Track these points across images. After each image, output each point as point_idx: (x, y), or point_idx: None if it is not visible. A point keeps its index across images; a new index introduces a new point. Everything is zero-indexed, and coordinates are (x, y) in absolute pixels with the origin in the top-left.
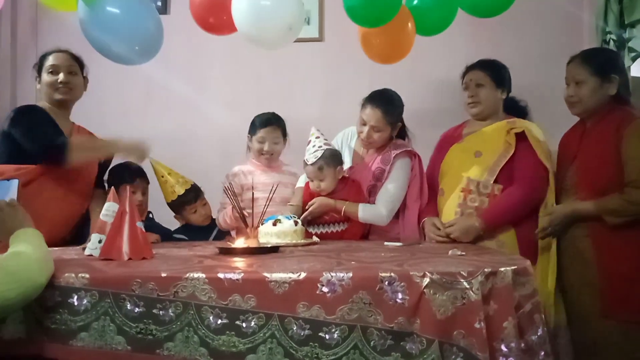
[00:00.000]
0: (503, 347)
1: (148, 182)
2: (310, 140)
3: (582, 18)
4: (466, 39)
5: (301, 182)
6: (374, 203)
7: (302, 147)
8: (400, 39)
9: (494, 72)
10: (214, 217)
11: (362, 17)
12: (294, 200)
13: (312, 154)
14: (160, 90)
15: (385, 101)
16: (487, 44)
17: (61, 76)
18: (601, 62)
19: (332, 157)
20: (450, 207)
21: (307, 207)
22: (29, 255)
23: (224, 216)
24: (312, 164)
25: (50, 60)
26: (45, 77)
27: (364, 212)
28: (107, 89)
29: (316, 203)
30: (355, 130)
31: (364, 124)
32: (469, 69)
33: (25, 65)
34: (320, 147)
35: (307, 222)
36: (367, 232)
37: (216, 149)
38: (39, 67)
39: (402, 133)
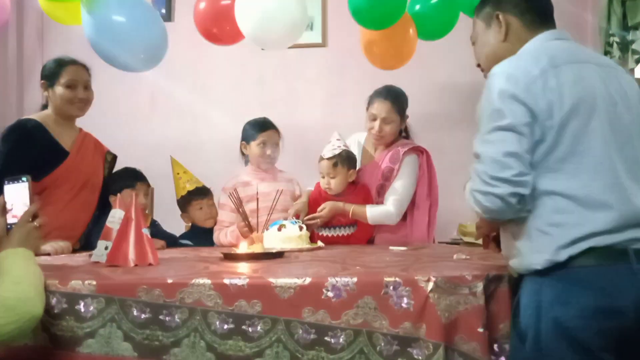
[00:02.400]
0: (495, 347)
1: (149, 185)
2: (330, 141)
3: (585, 20)
4: (469, 42)
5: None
6: (383, 203)
7: (305, 152)
8: (401, 45)
9: None
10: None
11: (367, 19)
12: (302, 198)
13: (330, 150)
14: (164, 97)
15: (392, 93)
16: None
17: (80, 92)
18: None
19: (348, 158)
20: None
21: (318, 210)
22: (27, 285)
23: (225, 235)
24: (328, 159)
25: (69, 74)
26: (63, 91)
27: (372, 212)
28: (112, 96)
29: (327, 208)
30: (359, 137)
31: (374, 119)
32: None
33: (31, 75)
34: (339, 146)
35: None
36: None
37: (220, 155)
38: (52, 75)
39: (407, 134)
